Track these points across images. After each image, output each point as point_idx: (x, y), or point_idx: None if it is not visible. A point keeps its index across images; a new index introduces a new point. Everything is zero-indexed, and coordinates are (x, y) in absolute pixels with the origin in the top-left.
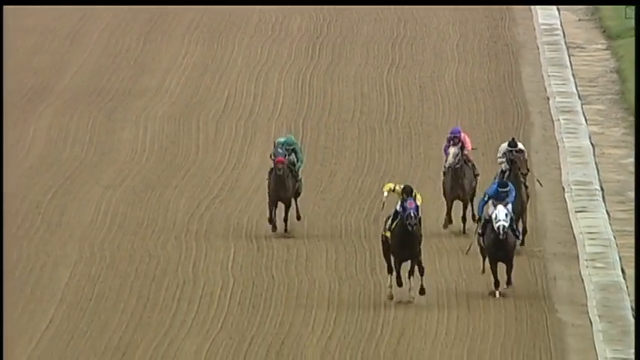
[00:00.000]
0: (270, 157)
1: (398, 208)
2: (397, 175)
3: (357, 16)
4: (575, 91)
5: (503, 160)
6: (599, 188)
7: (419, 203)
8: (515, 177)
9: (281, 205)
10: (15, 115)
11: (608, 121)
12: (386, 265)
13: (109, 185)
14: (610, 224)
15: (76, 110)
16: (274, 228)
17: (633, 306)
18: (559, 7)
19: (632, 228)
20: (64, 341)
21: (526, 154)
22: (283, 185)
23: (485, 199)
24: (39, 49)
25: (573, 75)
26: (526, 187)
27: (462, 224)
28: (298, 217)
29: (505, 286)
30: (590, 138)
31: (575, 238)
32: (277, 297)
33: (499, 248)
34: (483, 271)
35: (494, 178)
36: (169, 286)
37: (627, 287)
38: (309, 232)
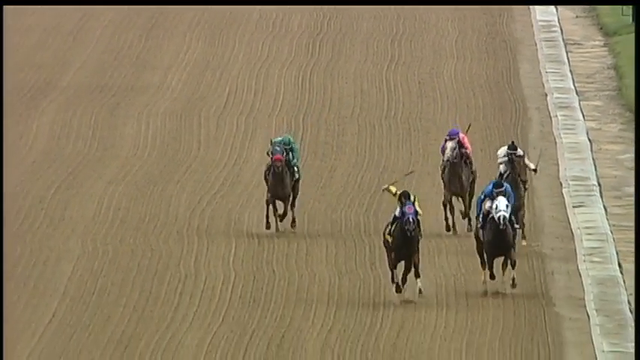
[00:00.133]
0: (267, 154)
1: (397, 213)
2: (397, 171)
3: (356, 13)
4: (572, 87)
5: (505, 159)
6: (596, 184)
7: (417, 207)
8: (514, 177)
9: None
10: (18, 111)
11: (605, 117)
12: (390, 274)
13: (111, 180)
14: (607, 219)
15: (78, 106)
16: (268, 226)
17: (630, 300)
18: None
19: (628, 223)
20: (67, 335)
21: (526, 160)
22: (282, 182)
23: (482, 198)
24: (42, 46)
25: (571, 71)
26: (525, 188)
27: (463, 222)
28: (293, 223)
29: (506, 280)
30: (587, 134)
31: (572, 233)
32: (278, 291)
33: (498, 239)
34: (484, 268)
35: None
36: (171, 280)
37: (624, 281)
38: (309, 227)
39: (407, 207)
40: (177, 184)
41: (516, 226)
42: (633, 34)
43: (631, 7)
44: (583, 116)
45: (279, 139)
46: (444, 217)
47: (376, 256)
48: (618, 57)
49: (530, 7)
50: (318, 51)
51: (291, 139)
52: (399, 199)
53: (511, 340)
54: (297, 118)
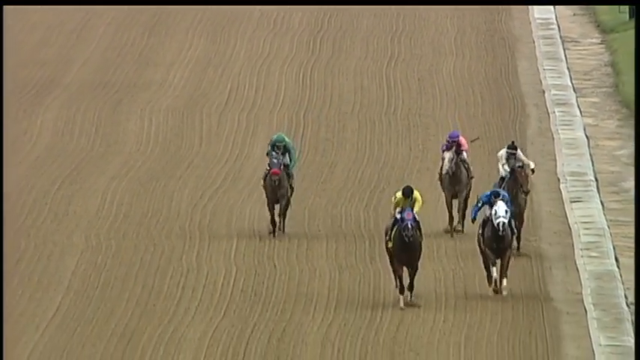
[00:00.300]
0: (267, 155)
1: (397, 215)
2: (396, 167)
3: (356, 10)
4: (570, 84)
5: (506, 168)
6: (593, 179)
7: (418, 208)
8: (514, 185)
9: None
10: (22, 107)
11: (602, 114)
12: (394, 280)
13: (114, 176)
14: (604, 214)
15: (82, 103)
16: (274, 233)
17: (627, 294)
18: None
19: (625, 218)
20: (71, 328)
21: (531, 165)
22: (280, 189)
23: (479, 204)
24: (46, 43)
25: (568, 68)
26: (525, 193)
27: (460, 222)
28: (282, 230)
29: (501, 283)
30: (584, 130)
31: (570, 227)
32: (279, 285)
33: (497, 243)
34: (490, 283)
35: (494, 186)
36: (173, 275)
37: (621, 276)
38: (309, 222)
39: (406, 212)
40: (179, 179)
41: (515, 232)
42: (630, 32)
43: (628, 7)
44: (580, 113)
45: (274, 137)
46: (448, 222)
47: (376, 251)
48: (615, 54)
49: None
50: (318, 48)
51: (285, 138)
52: (402, 194)
53: (509, 334)
54: (298, 114)
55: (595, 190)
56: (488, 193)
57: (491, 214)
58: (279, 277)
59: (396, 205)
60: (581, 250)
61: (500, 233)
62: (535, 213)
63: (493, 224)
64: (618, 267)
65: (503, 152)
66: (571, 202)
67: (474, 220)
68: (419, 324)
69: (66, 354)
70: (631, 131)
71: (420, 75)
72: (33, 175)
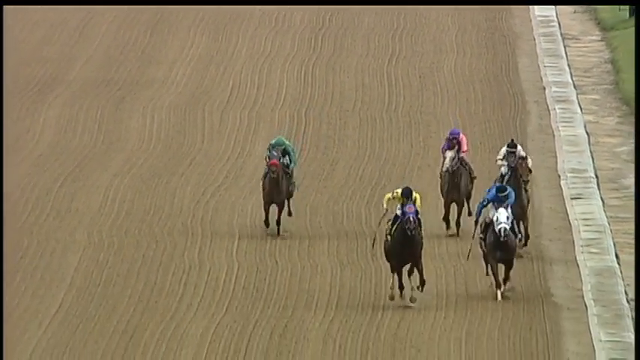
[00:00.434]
0: (265, 159)
1: (398, 212)
2: (397, 164)
3: (358, 8)
4: (570, 81)
5: (504, 163)
6: (593, 176)
7: (418, 207)
8: (515, 181)
9: (274, 208)
10: (25, 105)
11: (602, 111)
12: (389, 265)
13: (117, 173)
14: (604, 211)
15: (85, 100)
16: (267, 224)
17: (627, 290)
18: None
19: (625, 214)
20: (73, 325)
21: (528, 161)
22: (277, 187)
23: (485, 202)
24: (48, 41)
25: (569, 65)
26: (526, 190)
27: (455, 228)
28: (290, 214)
29: (505, 286)
30: (585, 127)
31: (570, 224)
32: (280, 282)
33: (500, 250)
34: (487, 273)
35: (495, 182)
36: (176, 271)
37: (621, 272)
38: (311, 219)
39: (407, 207)
40: (181, 176)
41: (519, 235)
42: (630, 29)
43: (628, 4)
44: (581, 109)
45: (274, 141)
46: (445, 227)
47: (377, 248)
48: (615, 51)
49: None
50: (320, 46)
51: (285, 141)
52: (401, 195)
53: (510, 330)
54: (300, 111)
55: (595, 186)
56: (494, 189)
57: (492, 219)
58: (280, 274)
59: (396, 202)
60: (582, 246)
61: (502, 239)
62: (535, 210)
63: (494, 230)
64: (618, 263)
65: (503, 150)
66: (571, 198)
67: (476, 221)
68: (420, 320)
69: (68, 350)
70: (631, 128)
71: (421, 72)
72: (36, 173)
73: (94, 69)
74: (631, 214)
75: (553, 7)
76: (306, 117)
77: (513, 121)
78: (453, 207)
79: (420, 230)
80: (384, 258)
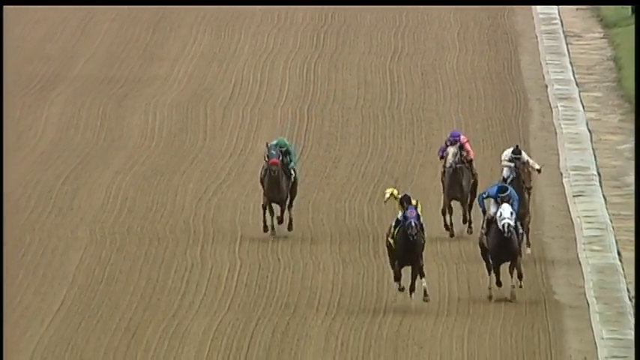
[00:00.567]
0: (264, 158)
1: (399, 216)
2: (400, 161)
3: (360, 5)
4: (572, 78)
5: (510, 164)
6: (596, 173)
7: (420, 211)
8: (518, 186)
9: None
10: (27, 103)
11: (605, 108)
12: (392, 273)
13: (119, 170)
14: (606, 208)
15: (87, 98)
16: (266, 229)
17: (629, 288)
18: None
19: (627, 212)
20: (76, 322)
21: (530, 168)
22: (277, 186)
23: (485, 195)
24: (51, 38)
25: (571, 63)
26: (527, 189)
27: (463, 225)
28: (280, 221)
29: (515, 283)
30: (587, 124)
31: (572, 221)
32: (283, 279)
33: (504, 247)
34: (489, 274)
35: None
36: (178, 269)
37: (623, 269)
38: (313, 216)
39: (409, 211)
40: (183, 174)
41: (520, 231)
42: (632, 26)
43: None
44: (583, 107)
45: (275, 142)
46: (443, 224)
47: (379, 245)
48: (618, 49)
49: None
50: (322, 43)
51: (286, 142)
52: (401, 202)
53: (512, 328)
54: (302, 109)
55: (597, 184)
56: (495, 189)
57: (495, 215)
58: (283, 271)
59: (398, 205)
60: (584, 244)
61: (506, 235)
62: (538, 207)
63: (498, 226)
64: (620, 261)
65: (507, 154)
66: (574, 196)
67: (483, 211)
68: (422, 318)
69: (70, 348)
70: (633, 126)
71: (423, 70)
72: (38, 170)
73: (96, 66)
74: (633, 212)
75: (555, 5)
76: (308, 114)
77: (515, 119)
78: (455, 209)
79: (423, 234)
80: (388, 263)
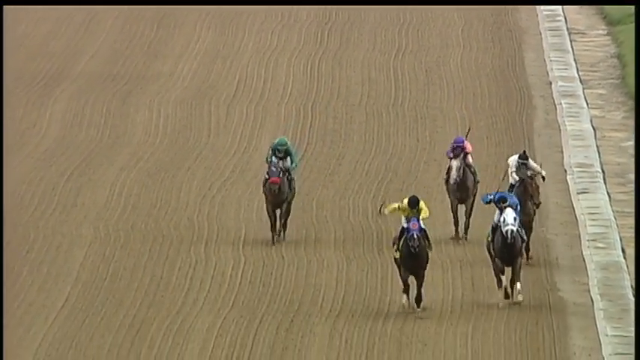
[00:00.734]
0: (266, 160)
1: (404, 224)
2: (403, 158)
3: (364, 4)
4: (576, 75)
5: (516, 177)
6: (600, 170)
7: (425, 215)
8: (523, 192)
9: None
10: (31, 99)
11: (608, 105)
12: (402, 285)
13: (123, 167)
14: (611, 205)
15: (91, 94)
16: (273, 240)
17: (633, 285)
18: None
19: (632, 209)
20: (80, 319)
21: (539, 180)
22: (279, 195)
23: (487, 200)
24: (54, 35)
25: (575, 60)
26: (533, 203)
27: (465, 231)
28: (282, 236)
29: (511, 287)
30: (591, 121)
31: (576, 218)
32: (287, 276)
33: (507, 252)
34: (499, 287)
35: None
36: (182, 266)
37: (627, 267)
38: (317, 214)
39: (412, 223)
40: (187, 171)
41: (525, 238)
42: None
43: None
44: (587, 104)
45: (275, 142)
46: (453, 222)
47: (383, 242)
48: (622, 46)
49: None
50: (326, 40)
51: (287, 141)
52: (407, 204)
53: (516, 325)
54: (306, 106)
55: (602, 181)
56: (497, 197)
57: (499, 221)
58: (287, 268)
59: (402, 213)
60: (588, 241)
61: (509, 241)
62: (542, 204)
63: (502, 232)
64: (624, 258)
65: (514, 160)
66: (578, 193)
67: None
68: (426, 315)
69: (75, 344)
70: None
71: (427, 67)
72: (42, 167)
73: (100, 63)
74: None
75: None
76: (312, 111)
77: (519, 116)
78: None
79: (428, 243)
80: (398, 275)
